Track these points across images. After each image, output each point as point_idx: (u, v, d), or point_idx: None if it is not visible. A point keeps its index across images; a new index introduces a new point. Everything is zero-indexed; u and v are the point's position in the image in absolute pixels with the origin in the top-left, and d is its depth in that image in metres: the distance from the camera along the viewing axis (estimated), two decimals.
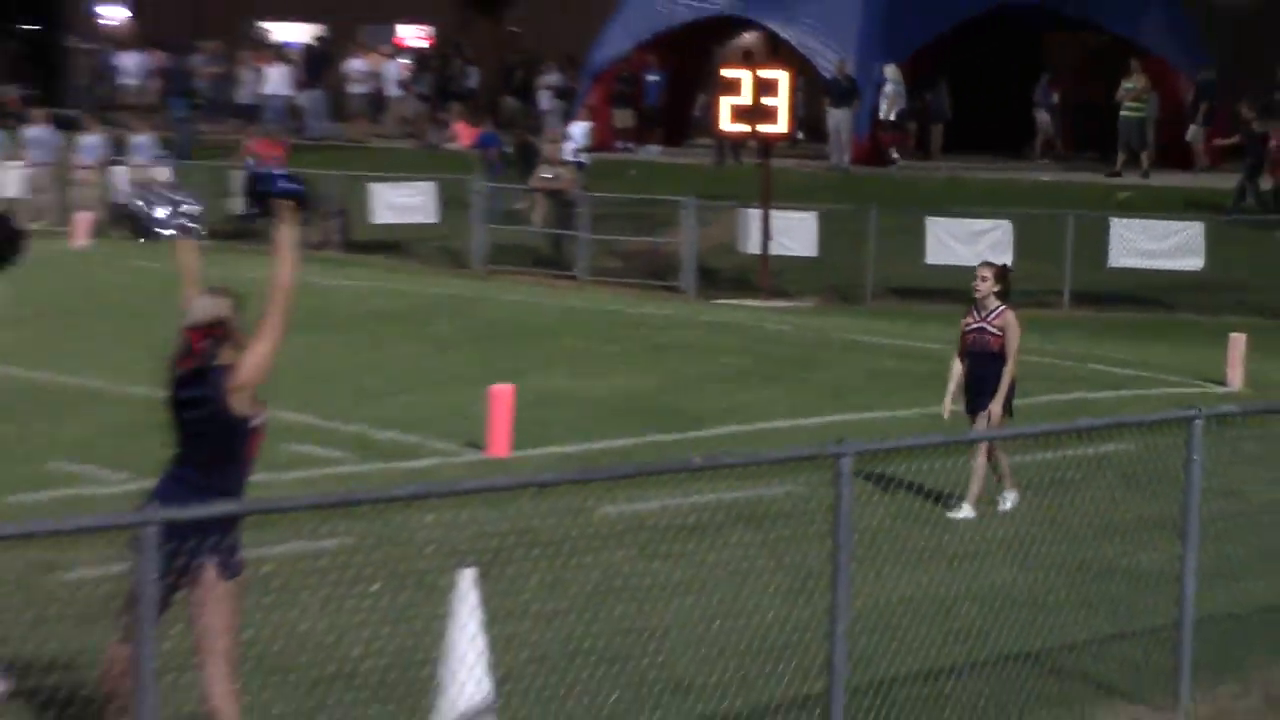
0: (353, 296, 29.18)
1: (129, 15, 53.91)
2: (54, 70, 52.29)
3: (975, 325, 16.19)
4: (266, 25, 53.23)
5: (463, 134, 44.73)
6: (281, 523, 10.10)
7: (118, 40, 52.49)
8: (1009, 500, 16.16)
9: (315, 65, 47.73)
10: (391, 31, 54.74)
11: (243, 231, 37.51)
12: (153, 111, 44.98)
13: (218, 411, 9.20)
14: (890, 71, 41.17)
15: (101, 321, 25.30)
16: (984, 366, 16.10)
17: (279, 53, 47.62)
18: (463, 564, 9.40)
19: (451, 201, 36.49)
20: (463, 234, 35.77)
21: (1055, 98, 44.40)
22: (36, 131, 39.31)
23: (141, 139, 38.63)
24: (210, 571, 9.04)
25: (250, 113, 44.99)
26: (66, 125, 42.08)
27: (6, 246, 10.10)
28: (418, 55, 50.83)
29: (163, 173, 38.45)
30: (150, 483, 14.57)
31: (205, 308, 9.41)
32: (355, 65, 48.33)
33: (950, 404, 16.31)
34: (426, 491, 8.83)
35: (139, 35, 52.34)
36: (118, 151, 39.20)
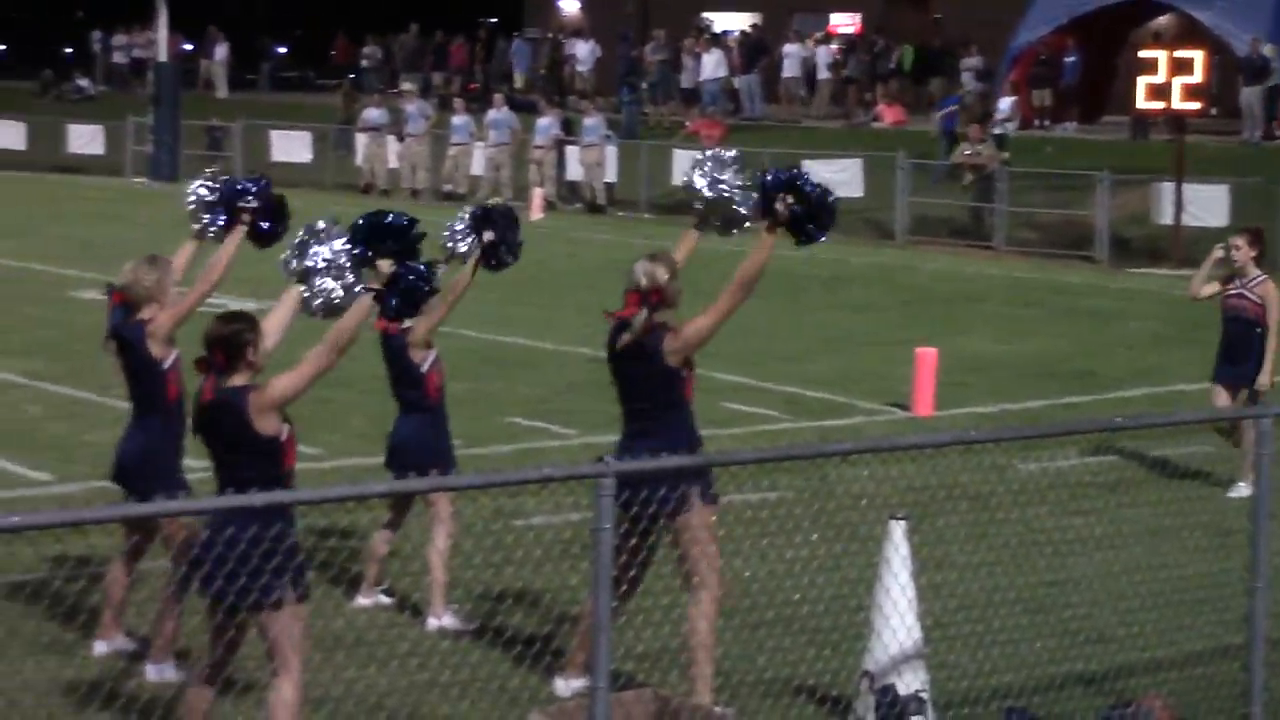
0: (781, 264, 28.98)
1: (581, 7, 54.62)
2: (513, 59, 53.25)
3: (1235, 291, 14.87)
4: (709, 15, 53.45)
5: (887, 114, 44.41)
6: (723, 475, 10.03)
7: (571, 30, 53.25)
8: (1243, 489, 13.86)
9: (752, 51, 47.79)
10: (823, 20, 54.55)
11: (681, 206, 37.75)
12: (602, 96, 45.54)
13: (655, 368, 9.22)
14: None
15: (553, 288, 25.64)
16: (1241, 333, 14.80)
17: (718, 40, 47.78)
18: (894, 516, 9.21)
19: (876, 176, 36.23)
20: (886, 206, 35.47)
21: None
22: (496, 115, 40.06)
23: (591, 121, 39.07)
24: (696, 504, 9.05)
25: (691, 96, 45.22)
26: (525, 109, 42.82)
27: (278, 220, 10.12)
28: (847, 40, 50.58)
29: (610, 152, 38.84)
30: (597, 439, 14.77)
31: (644, 272, 9.39)
32: (788, 50, 48.26)
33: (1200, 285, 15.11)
34: (862, 447, 8.66)
35: (590, 25, 53.01)
36: (569, 132, 39.71)
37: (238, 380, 8.16)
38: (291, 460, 8.20)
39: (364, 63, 52.88)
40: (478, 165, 40.27)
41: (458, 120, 40.80)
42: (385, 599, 11.11)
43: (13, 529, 6.03)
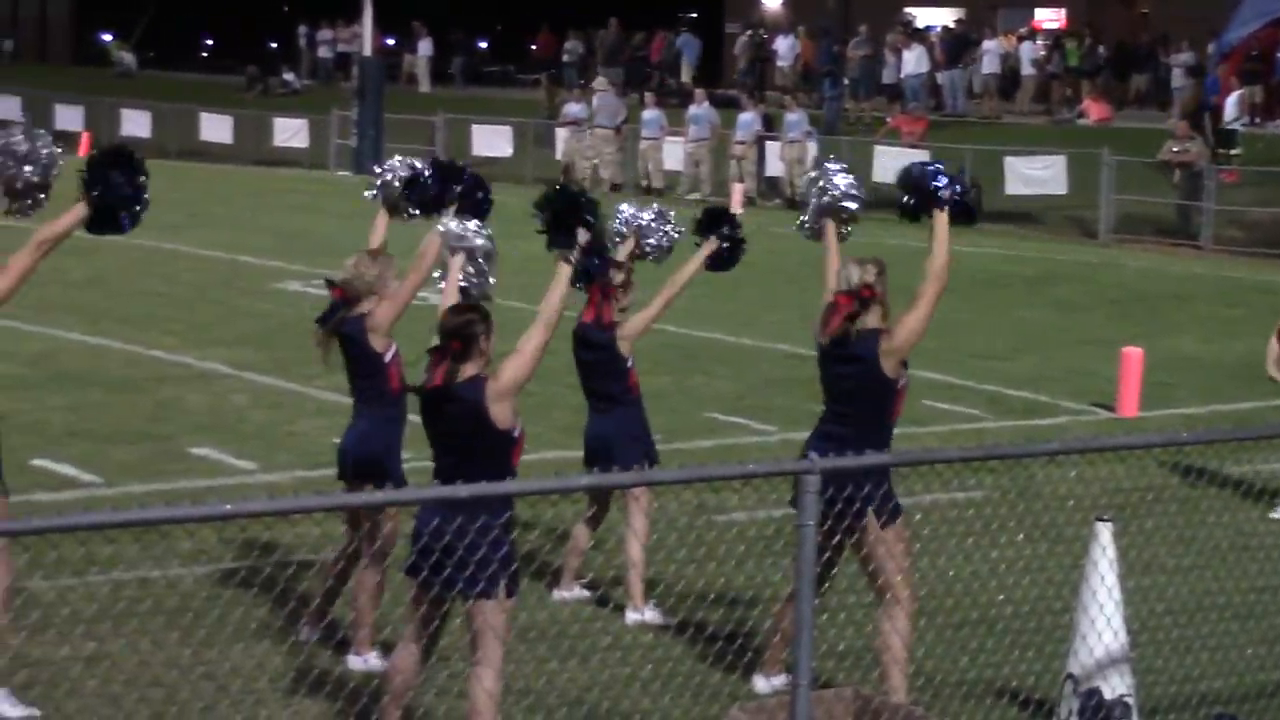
0: (984, 262, 28.85)
1: (783, 2, 54.52)
2: (715, 54, 53.28)
3: None
4: (912, 11, 53.12)
5: (1092, 110, 43.85)
6: (928, 474, 9.96)
7: (774, 25, 53.14)
8: None
9: (954, 47, 47.41)
10: (1028, 15, 53.98)
11: (881, 203, 37.61)
12: (804, 91, 45.43)
13: (869, 372, 9.15)
14: None
15: (752, 284, 25.59)
16: None
17: (920, 35, 47.46)
18: (1100, 517, 9.09)
19: (1080, 173, 35.79)
20: (1090, 204, 35.04)
21: None
22: (696, 110, 40.11)
23: (793, 116, 38.98)
24: (873, 519, 8.99)
25: (893, 92, 44.97)
26: (726, 104, 42.82)
27: (481, 201, 10.19)
28: (1051, 36, 50.03)
29: (811, 148, 38.74)
30: (795, 435, 14.71)
31: (855, 274, 9.37)
32: (991, 46, 47.82)
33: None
34: (1069, 447, 8.52)
35: (793, 20, 52.88)
36: (770, 128, 39.66)
37: (470, 370, 8.23)
38: (517, 460, 8.25)
39: (565, 57, 53.14)
40: (676, 160, 40.35)
41: (648, 114, 40.88)
42: (584, 593, 11.16)
43: (225, 517, 6.12)
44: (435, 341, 8.31)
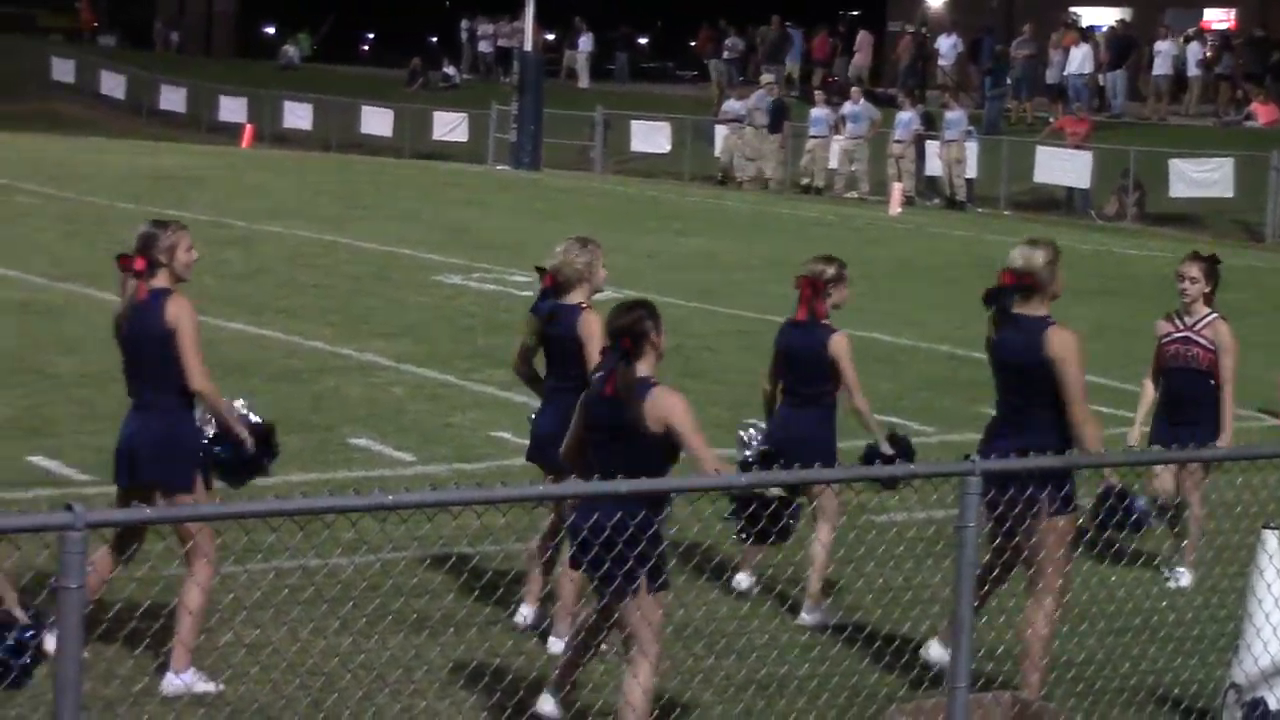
0: (1151, 265, 28.58)
1: (947, 0, 54.24)
2: (876, 51, 53.07)
3: (1179, 335, 12.04)
4: (1077, 10, 52.64)
5: (1261, 113, 43.22)
6: (1093, 478, 9.88)
7: (936, 23, 52.88)
8: (1183, 578, 11.79)
9: (1120, 47, 46.93)
10: (1196, 15, 53.34)
11: (1050, 203, 37.59)
12: (965, 90, 45.18)
13: (1035, 363, 9.11)
14: None
15: (912, 284, 25.50)
16: (1189, 387, 11.93)
17: (1085, 35, 47.02)
18: (1268, 525, 8.98)
19: (1248, 177, 35.33)
20: (1257, 208, 34.59)
21: None
22: (853, 108, 40.02)
23: (953, 115, 38.79)
24: (1045, 504, 8.96)
25: (1056, 91, 44.62)
26: (886, 103, 42.70)
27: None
28: (1220, 37, 49.38)
29: (970, 148, 38.54)
30: (954, 437, 14.65)
31: (1022, 255, 9.32)
32: (1158, 47, 47.29)
33: (1139, 432, 12.25)
34: (1235, 454, 8.45)
35: (954, 19, 52.58)
36: (930, 127, 39.48)
37: (643, 368, 8.27)
38: (675, 459, 8.30)
39: (725, 54, 53.17)
40: (833, 159, 40.32)
41: (816, 113, 40.83)
42: (753, 586, 11.14)
43: (388, 508, 6.20)
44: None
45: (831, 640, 10.29)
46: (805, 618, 10.68)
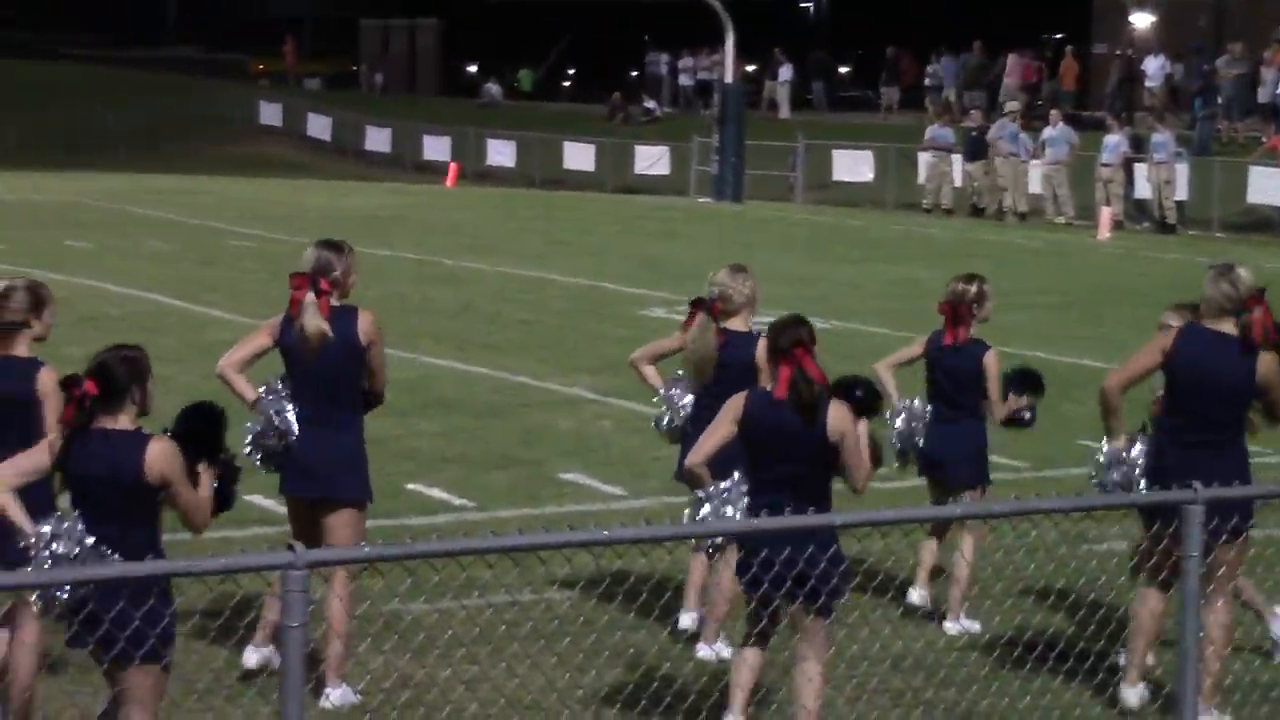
0: None
1: (1154, 20, 53.57)
2: (1081, 74, 52.52)
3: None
4: None
5: None
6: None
7: (1143, 45, 52.22)
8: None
9: None
10: None
11: (1264, 224, 36.96)
12: (1173, 111, 44.57)
13: (1248, 389, 9.06)
14: None
15: (1122, 309, 25.19)
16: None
17: None
18: None
19: None
20: None
21: None
22: (1052, 132, 39.59)
23: (1161, 137, 38.24)
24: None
25: (1268, 111, 43.85)
26: (1092, 126, 42.23)
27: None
28: None
29: (1180, 170, 38.00)
30: None
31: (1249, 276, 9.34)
32: None
33: None
34: None
35: (1163, 40, 51.89)
36: (1138, 150, 38.96)
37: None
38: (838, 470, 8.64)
39: (927, 81, 52.94)
40: (1035, 183, 39.88)
41: (1050, 132, 40.29)
42: (927, 604, 11.22)
43: (600, 543, 6.24)
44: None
45: (1051, 672, 10.15)
46: (950, 627, 10.83)
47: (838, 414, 8.49)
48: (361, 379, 9.54)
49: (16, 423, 8.41)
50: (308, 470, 9.46)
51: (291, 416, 9.47)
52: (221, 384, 9.70)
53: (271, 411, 9.50)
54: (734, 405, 8.72)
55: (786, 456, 8.48)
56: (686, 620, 10.60)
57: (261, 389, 9.63)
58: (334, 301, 9.58)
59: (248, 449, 9.53)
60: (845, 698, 9.45)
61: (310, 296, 9.49)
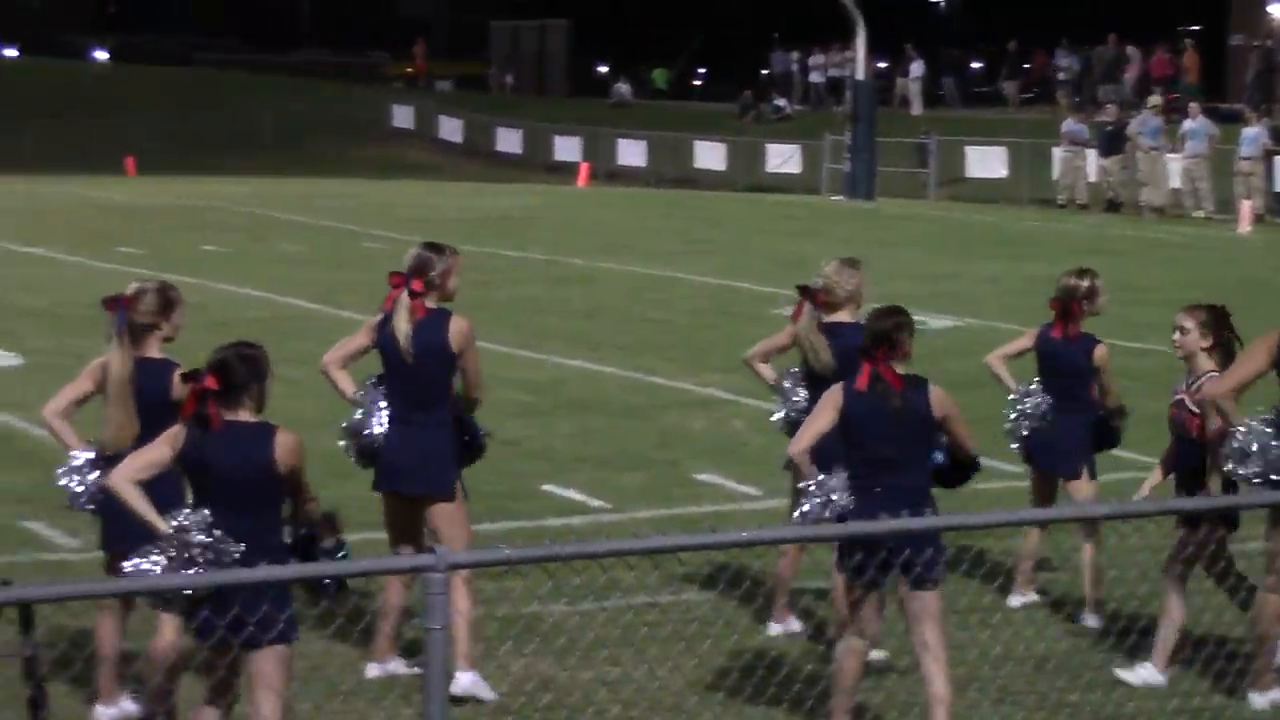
0: None
1: None
2: (1219, 66, 51.97)
3: (1176, 397, 10.19)
4: None
5: None
6: None
7: None
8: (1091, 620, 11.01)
9: None
10: None
11: None
12: None
13: None
14: None
15: (1262, 306, 24.84)
16: (1184, 457, 10.16)
17: None
18: None
19: None
20: None
21: None
22: (1191, 125, 39.09)
23: None
24: None
25: None
26: (1230, 119, 41.70)
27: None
28: None
29: None
30: None
31: None
32: None
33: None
34: None
35: None
36: (1278, 142, 38.42)
37: (899, 369, 8.64)
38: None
39: (1060, 75, 52.51)
40: (1174, 178, 39.41)
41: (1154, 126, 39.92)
42: (1036, 596, 11.26)
43: (740, 544, 6.21)
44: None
45: (1200, 675, 10.00)
46: (1089, 620, 10.85)
47: (943, 398, 8.59)
48: (450, 383, 9.54)
49: (154, 423, 8.46)
50: (396, 468, 9.51)
51: (381, 414, 9.50)
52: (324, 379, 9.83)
53: (363, 408, 9.56)
54: (833, 395, 8.74)
55: (888, 438, 8.55)
56: (794, 625, 10.67)
57: (369, 383, 9.67)
58: (430, 304, 9.56)
59: (341, 443, 9.62)
60: (990, 699, 9.36)
61: (404, 297, 9.51)
